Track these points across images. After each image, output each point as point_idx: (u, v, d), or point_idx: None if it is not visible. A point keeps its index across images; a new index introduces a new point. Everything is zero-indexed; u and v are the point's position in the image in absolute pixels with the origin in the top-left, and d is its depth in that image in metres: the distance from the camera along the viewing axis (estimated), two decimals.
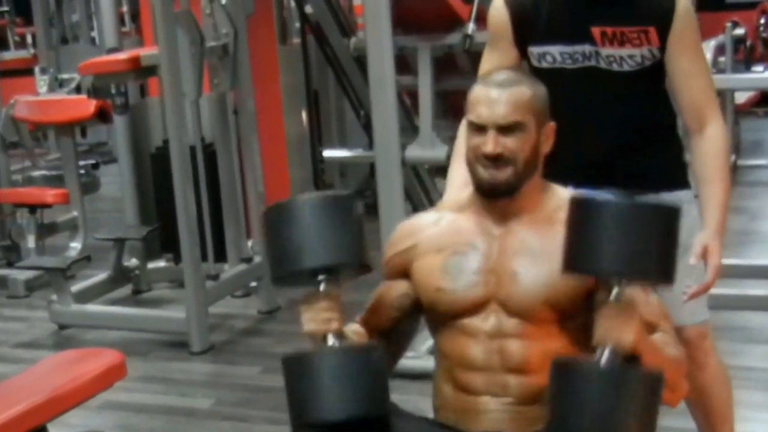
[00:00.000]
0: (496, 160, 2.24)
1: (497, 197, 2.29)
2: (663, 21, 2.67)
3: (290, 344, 4.90)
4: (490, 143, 2.23)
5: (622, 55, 2.69)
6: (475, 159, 2.27)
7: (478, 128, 2.26)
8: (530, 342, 2.24)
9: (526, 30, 2.77)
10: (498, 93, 2.25)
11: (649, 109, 2.82)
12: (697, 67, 2.75)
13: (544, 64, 2.78)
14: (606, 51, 2.70)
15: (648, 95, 2.80)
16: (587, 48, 2.70)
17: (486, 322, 2.27)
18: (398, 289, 2.41)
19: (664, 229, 2.05)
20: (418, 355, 4.42)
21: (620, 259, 2.04)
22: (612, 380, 2.02)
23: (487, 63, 2.90)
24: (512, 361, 2.23)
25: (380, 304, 2.42)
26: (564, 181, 2.67)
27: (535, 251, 2.27)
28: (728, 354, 4.15)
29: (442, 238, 2.36)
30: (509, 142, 2.24)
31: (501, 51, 2.85)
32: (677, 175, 2.84)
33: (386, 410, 2.17)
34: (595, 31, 2.69)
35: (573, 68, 2.74)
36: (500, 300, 2.27)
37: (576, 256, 2.09)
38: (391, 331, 2.42)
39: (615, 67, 2.71)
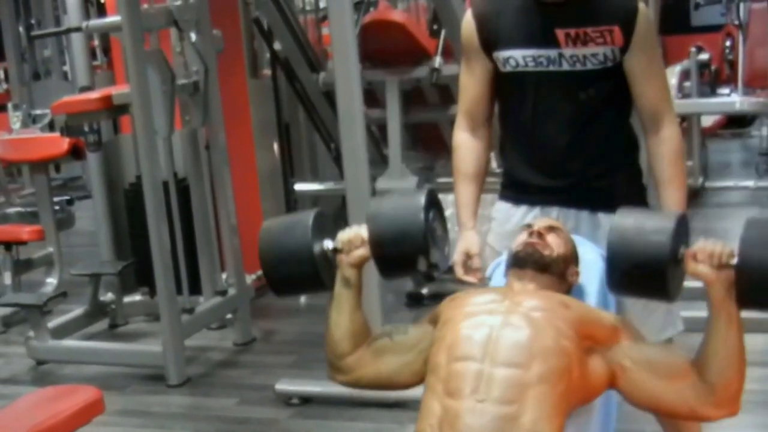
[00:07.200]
0: None
1: None
2: (627, 20, 2.74)
3: (266, 375, 4.97)
4: None
5: (585, 54, 2.75)
6: None
7: None
8: (527, 335, 2.31)
9: (491, 36, 2.84)
10: None
11: (609, 126, 2.88)
12: (655, 69, 2.85)
13: (508, 68, 2.84)
14: (569, 51, 2.75)
15: (609, 111, 2.87)
16: (551, 52, 2.76)
17: (494, 313, 2.38)
18: None
19: None
20: None
21: None
22: None
23: (464, 92, 2.98)
24: (504, 353, 2.29)
25: None
26: (521, 194, 2.77)
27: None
28: None
29: None
30: None
31: (474, 72, 2.92)
32: (636, 197, 2.91)
33: None
34: (560, 33, 2.75)
35: (536, 71, 2.80)
36: (515, 301, 2.41)
37: None
38: None
39: (578, 66, 2.76)
